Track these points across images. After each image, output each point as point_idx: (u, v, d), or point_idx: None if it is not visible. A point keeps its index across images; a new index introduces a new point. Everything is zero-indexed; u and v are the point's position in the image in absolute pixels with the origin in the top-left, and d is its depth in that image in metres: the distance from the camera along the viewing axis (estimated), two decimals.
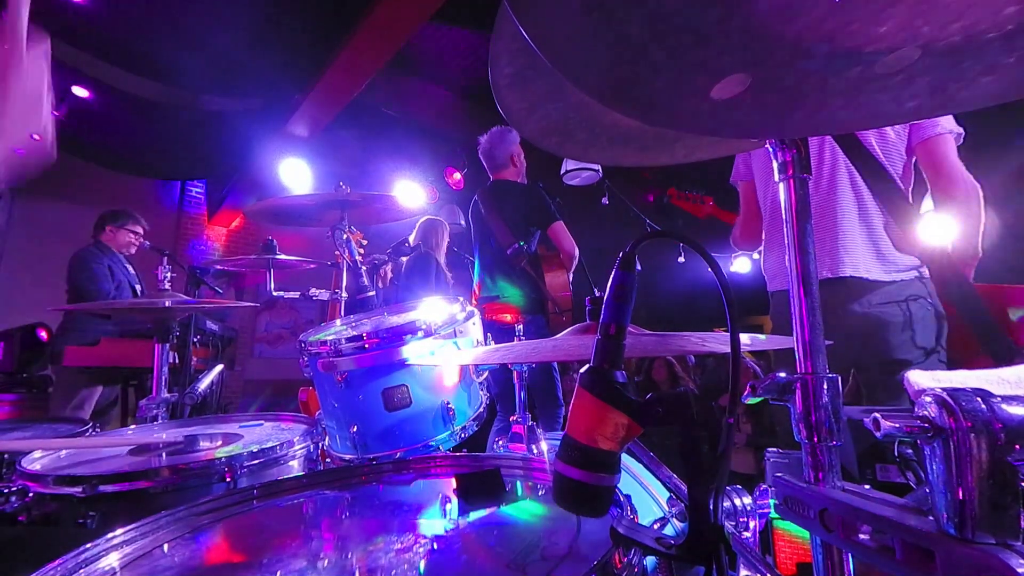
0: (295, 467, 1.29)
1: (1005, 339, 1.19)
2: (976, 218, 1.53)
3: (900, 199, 1.37)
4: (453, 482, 0.91)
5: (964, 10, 0.39)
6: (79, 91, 4.32)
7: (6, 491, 1.05)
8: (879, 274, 1.59)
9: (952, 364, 1.58)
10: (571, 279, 2.96)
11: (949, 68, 0.43)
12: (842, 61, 0.45)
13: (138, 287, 3.61)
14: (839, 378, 0.56)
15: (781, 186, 0.60)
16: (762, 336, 0.86)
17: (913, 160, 1.63)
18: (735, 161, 2.00)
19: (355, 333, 1.34)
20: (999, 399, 0.38)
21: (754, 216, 1.97)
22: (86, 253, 3.44)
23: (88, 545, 0.71)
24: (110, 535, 0.74)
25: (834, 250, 1.62)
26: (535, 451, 1.27)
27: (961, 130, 1.56)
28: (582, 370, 0.54)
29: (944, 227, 1.56)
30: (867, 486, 0.55)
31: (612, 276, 0.54)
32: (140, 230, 3.68)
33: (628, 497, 0.67)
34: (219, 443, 1.37)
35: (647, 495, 0.98)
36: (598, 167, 3.39)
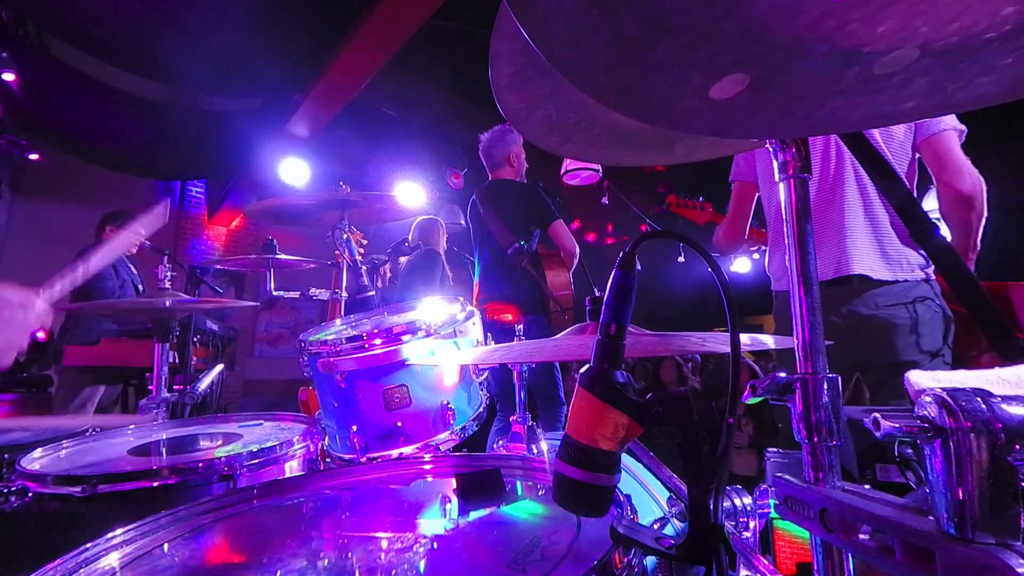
0: (295, 467, 1.29)
1: (1014, 337, 1.19)
2: (979, 213, 1.53)
3: (906, 196, 1.37)
4: (453, 482, 0.91)
5: (962, 10, 0.39)
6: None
7: (6, 491, 1.05)
8: (884, 273, 1.58)
9: (958, 363, 1.57)
10: (572, 278, 2.95)
11: (947, 68, 0.43)
12: (840, 61, 0.45)
13: (140, 287, 3.61)
14: (839, 378, 0.56)
15: (781, 186, 0.60)
16: (762, 336, 0.86)
17: (916, 158, 1.63)
18: (735, 159, 2.00)
19: (355, 333, 1.34)
20: (999, 399, 0.38)
21: (741, 217, 1.98)
22: (91, 251, 3.44)
23: (88, 545, 0.71)
24: (110, 535, 0.74)
25: (841, 248, 1.61)
26: (535, 451, 1.27)
27: (964, 127, 1.56)
28: (582, 370, 0.54)
29: (945, 223, 1.57)
30: (867, 486, 0.55)
31: (612, 276, 0.54)
32: (142, 229, 3.68)
33: (628, 497, 0.67)
34: (219, 443, 1.37)
35: (647, 495, 0.98)
36: (598, 167, 3.39)
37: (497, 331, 2.56)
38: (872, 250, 1.60)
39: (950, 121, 1.55)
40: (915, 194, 1.65)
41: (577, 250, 2.84)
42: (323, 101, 4.93)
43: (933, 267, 1.57)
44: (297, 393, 2.79)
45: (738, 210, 1.99)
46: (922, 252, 1.55)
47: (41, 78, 4.37)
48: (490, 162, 3.00)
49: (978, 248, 1.56)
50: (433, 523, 0.81)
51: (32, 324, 0.89)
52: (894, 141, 1.60)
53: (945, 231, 1.54)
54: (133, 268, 3.64)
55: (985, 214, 1.54)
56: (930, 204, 1.64)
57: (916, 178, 1.66)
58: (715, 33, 0.44)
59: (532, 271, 2.76)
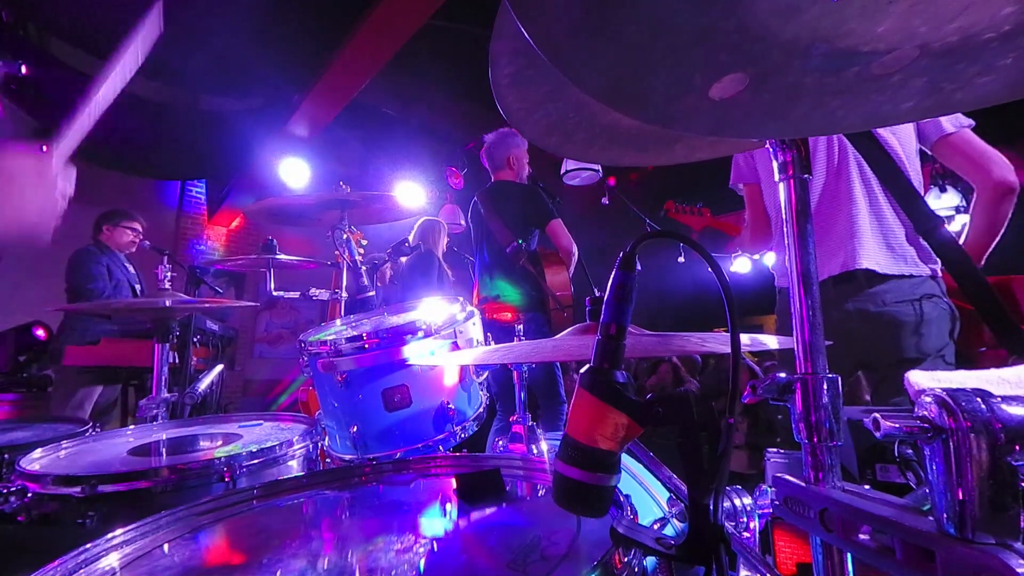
0: (294, 467, 1.29)
1: (1020, 332, 1.18)
2: (1008, 211, 1.51)
3: (912, 192, 1.36)
4: (453, 482, 0.91)
5: (961, 10, 0.39)
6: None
7: (5, 491, 1.05)
8: (890, 267, 1.57)
9: (963, 360, 1.57)
10: (571, 277, 2.96)
11: (946, 69, 0.43)
12: (840, 61, 0.45)
13: (138, 287, 3.61)
14: (839, 378, 0.56)
15: (781, 186, 0.60)
16: (762, 336, 0.86)
17: (920, 157, 1.62)
18: (734, 163, 1.99)
19: (355, 333, 1.35)
20: (999, 399, 0.38)
21: (762, 216, 1.95)
22: (84, 252, 3.44)
23: (88, 545, 0.71)
24: (110, 535, 0.74)
25: (848, 243, 1.60)
26: (535, 451, 1.27)
27: (972, 122, 1.55)
28: (582, 370, 0.54)
29: (980, 220, 1.55)
30: (867, 486, 0.55)
31: (612, 276, 0.54)
32: (137, 227, 3.67)
33: (628, 497, 0.67)
34: (219, 443, 1.37)
35: (647, 495, 0.98)
36: (598, 167, 3.39)
37: (497, 330, 2.57)
38: (878, 244, 1.59)
39: (961, 118, 1.54)
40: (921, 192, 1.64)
41: (575, 249, 2.85)
42: (323, 101, 4.93)
43: (939, 264, 1.57)
44: (273, 393, 2.78)
45: (755, 212, 1.96)
46: (927, 248, 1.54)
47: (41, 77, 4.37)
48: (492, 163, 3.03)
49: (983, 259, 1.55)
50: (433, 523, 0.80)
51: (57, 184, 0.85)
52: (910, 144, 1.59)
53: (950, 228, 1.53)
54: (131, 268, 3.63)
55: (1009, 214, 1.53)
56: (933, 203, 1.64)
57: (921, 179, 1.65)
58: (714, 32, 0.44)
59: (531, 269, 2.77)
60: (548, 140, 0.78)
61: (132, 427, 1.61)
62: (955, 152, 1.56)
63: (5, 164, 0.78)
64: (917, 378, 0.71)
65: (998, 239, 1.54)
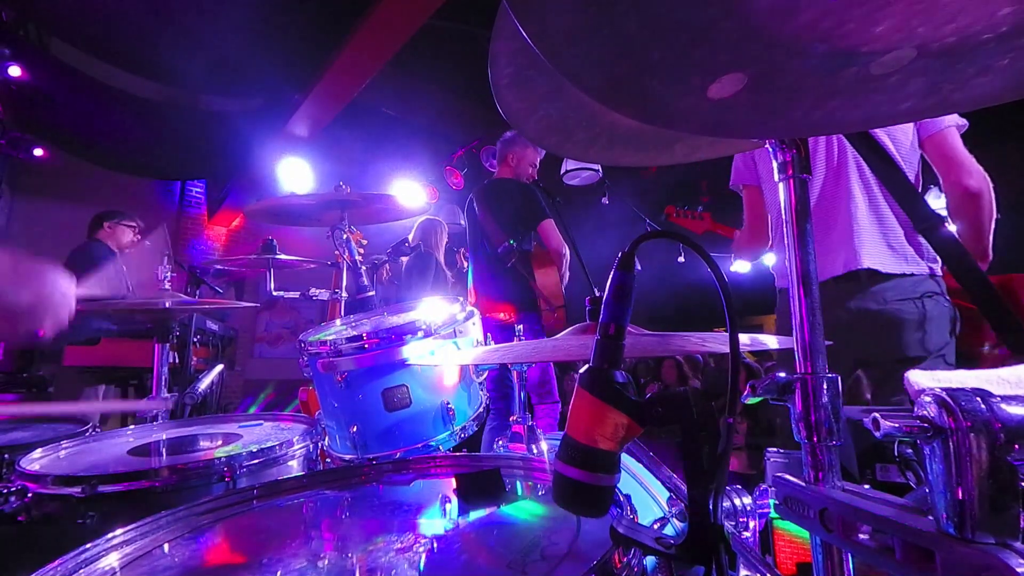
0: (295, 467, 1.29)
1: (1021, 330, 1.18)
2: (989, 213, 1.51)
3: (911, 190, 1.36)
4: (453, 482, 0.91)
5: (959, 11, 0.39)
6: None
7: (5, 491, 1.05)
8: (892, 267, 1.56)
9: (963, 360, 1.56)
10: (563, 277, 2.95)
11: (944, 69, 0.43)
12: (838, 61, 0.45)
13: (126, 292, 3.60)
14: (839, 378, 0.56)
15: (781, 186, 0.60)
16: (762, 336, 0.86)
17: (920, 156, 1.62)
18: (734, 165, 1.98)
19: (355, 333, 1.35)
20: (999, 399, 0.38)
21: (760, 219, 1.93)
22: (89, 246, 3.45)
23: (88, 545, 0.71)
24: (110, 535, 0.74)
25: (849, 243, 1.60)
26: (535, 451, 1.27)
27: (965, 122, 1.55)
28: (582, 370, 0.54)
29: (955, 224, 1.55)
30: (867, 486, 0.55)
31: (611, 276, 0.54)
32: (136, 225, 3.69)
33: (628, 497, 0.67)
34: (219, 443, 1.37)
35: (647, 495, 0.98)
36: (598, 167, 3.39)
37: (496, 330, 2.57)
38: (879, 244, 1.58)
39: (951, 117, 1.54)
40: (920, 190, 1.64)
41: (565, 250, 2.85)
42: (323, 101, 4.93)
43: (939, 263, 1.56)
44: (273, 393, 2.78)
45: (753, 215, 1.95)
46: (926, 246, 1.54)
47: (41, 78, 4.37)
48: (496, 159, 3.04)
49: (990, 256, 1.54)
50: (433, 523, 0.81)
51: (71, 303, 0.92)
52: (906, 140, 1.58)
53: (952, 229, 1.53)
54: (124, 268, 3.63)
55: (995, 214, 1.53)
56: (935, 202, 1.63)
57: (920, 177, 1.65)
58: (713, 32, 0.44)
59: (520, 269, 2.77)
60: (548, 140, 0.78)
61: (132, 427, 1.61)
62: (930, 151, 1.58)
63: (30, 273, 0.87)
64: (917, 378, 0.71)
65: (988, 252, 1.54)
